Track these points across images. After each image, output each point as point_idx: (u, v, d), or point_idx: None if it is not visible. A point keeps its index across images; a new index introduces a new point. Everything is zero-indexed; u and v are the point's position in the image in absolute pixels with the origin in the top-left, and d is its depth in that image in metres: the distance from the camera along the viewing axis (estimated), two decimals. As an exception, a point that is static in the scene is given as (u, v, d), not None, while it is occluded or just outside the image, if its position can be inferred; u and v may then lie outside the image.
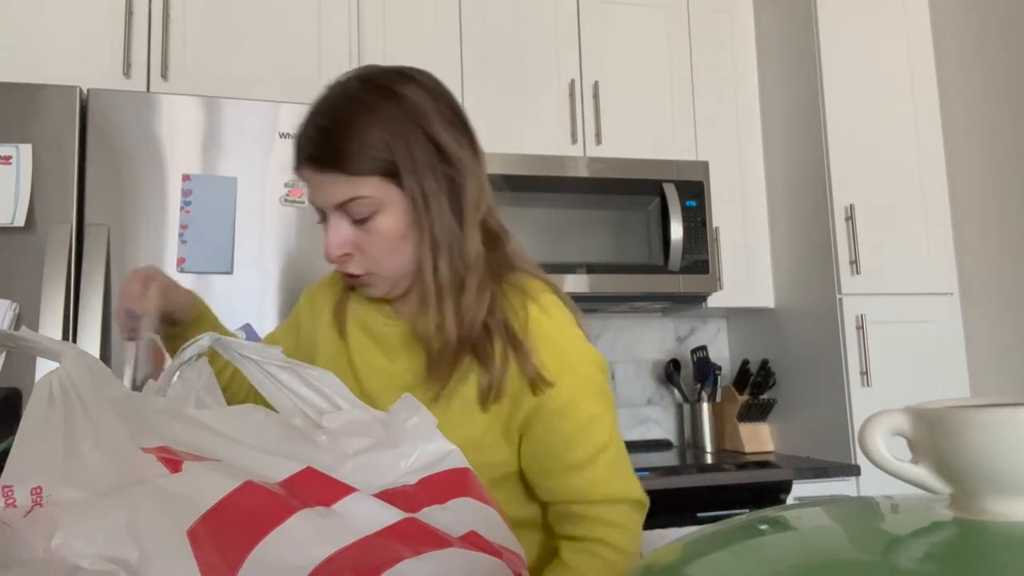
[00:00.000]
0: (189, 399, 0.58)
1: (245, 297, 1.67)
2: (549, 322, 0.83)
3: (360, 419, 0.53)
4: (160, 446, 0.44)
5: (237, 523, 0.39)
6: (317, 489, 0.43)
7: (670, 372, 2.52)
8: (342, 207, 0.80)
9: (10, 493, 0.41)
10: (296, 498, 0.42)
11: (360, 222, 0.81)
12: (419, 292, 0.83)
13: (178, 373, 0.60)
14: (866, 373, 2.05)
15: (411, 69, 0.86)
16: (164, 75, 1.89)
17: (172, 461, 0.43)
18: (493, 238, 0.87)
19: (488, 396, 0.80)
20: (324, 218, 0.83)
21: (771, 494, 1.91)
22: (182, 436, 0.46)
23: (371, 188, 0.79)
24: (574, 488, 0.82)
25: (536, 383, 0.80)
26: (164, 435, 0.46)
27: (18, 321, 1.53)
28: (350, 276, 0.85)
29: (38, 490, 0.41)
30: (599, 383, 0.85)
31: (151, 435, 0.45)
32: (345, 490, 0.43)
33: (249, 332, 1.63)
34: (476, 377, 0.81)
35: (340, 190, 0.79)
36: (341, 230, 0.81)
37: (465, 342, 0.81)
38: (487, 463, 0.77)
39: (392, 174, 0.79)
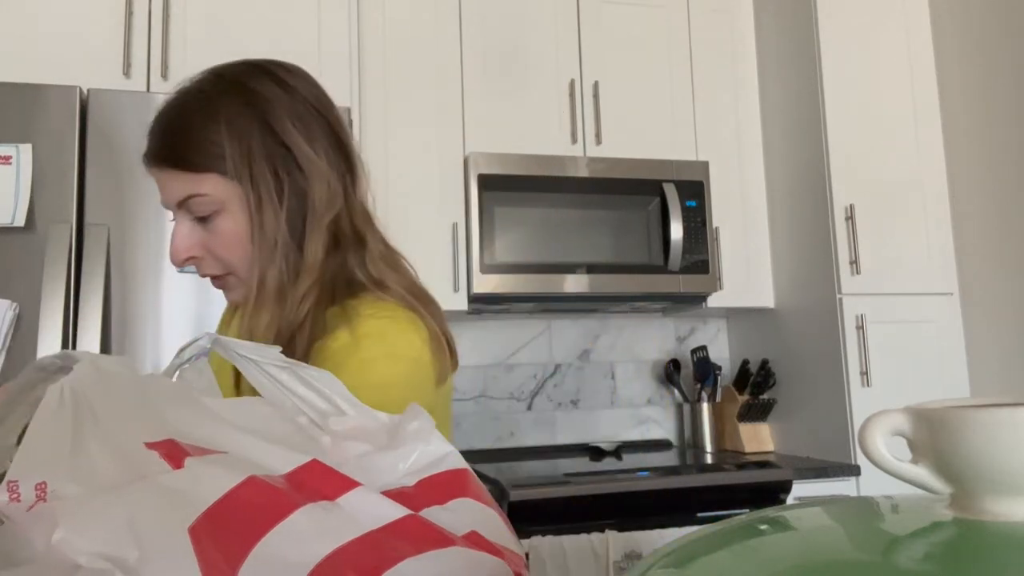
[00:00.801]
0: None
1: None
2: (350, 357, 0.72)
3: (366, 426, 0.53)
4: (166, 439, 0.44)
5: (239, 520, 0.39)
6: (322, 482, 0.43)
7: (670, 372, 2.52)
8: (183, 205, 0.76)
9: (15, 488, 0.41)
10: (300, 492, 0.42)
11: (203, 221, 0.77)
12: (245, 296, 0.77)
13: (177, 373, 0.60)
14: (866, 373, 2.05)
15: (274, 63, 0.81)
16: (164, 75, 1.89)
17: (175, 457, 0.43)
18: (345, 245, 0.80)
19: None
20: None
21: (771, 494, 1.91)
22: (190, 425, 0.46)
23: (210, 186, 0.75)
24: None
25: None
26: (172, 425, 0.46)
27: (18, 321, 1.53)
28: (213, 279, 0.81)
29: (42, 485, 0.41)
30: None
31: (158, 427, 0.45)
32: (350, 484, 0.43)
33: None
34: None
35: (178, 187, 0.76)
36: (184, 231, 0.77)
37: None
38: None
39: (225, 171, 0.75)
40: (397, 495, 0.45)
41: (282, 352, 0.70)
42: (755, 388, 2.34)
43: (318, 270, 0.77)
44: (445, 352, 0.79)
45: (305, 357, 0.73)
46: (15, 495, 0.41)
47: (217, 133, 0.75)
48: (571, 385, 2.52)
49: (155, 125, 0.78)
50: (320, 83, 0.84)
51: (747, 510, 0.92)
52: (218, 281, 0.81)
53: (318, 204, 0.77)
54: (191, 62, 1.95)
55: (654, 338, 2.61)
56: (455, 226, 2.14)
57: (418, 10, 2.22)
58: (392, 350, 0.75)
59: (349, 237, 0.80)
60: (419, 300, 0.80)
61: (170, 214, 0.80)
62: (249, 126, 0.76)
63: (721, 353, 2.65)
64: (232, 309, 0.94)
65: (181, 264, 0.78)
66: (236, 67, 0.80)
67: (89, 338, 1.56)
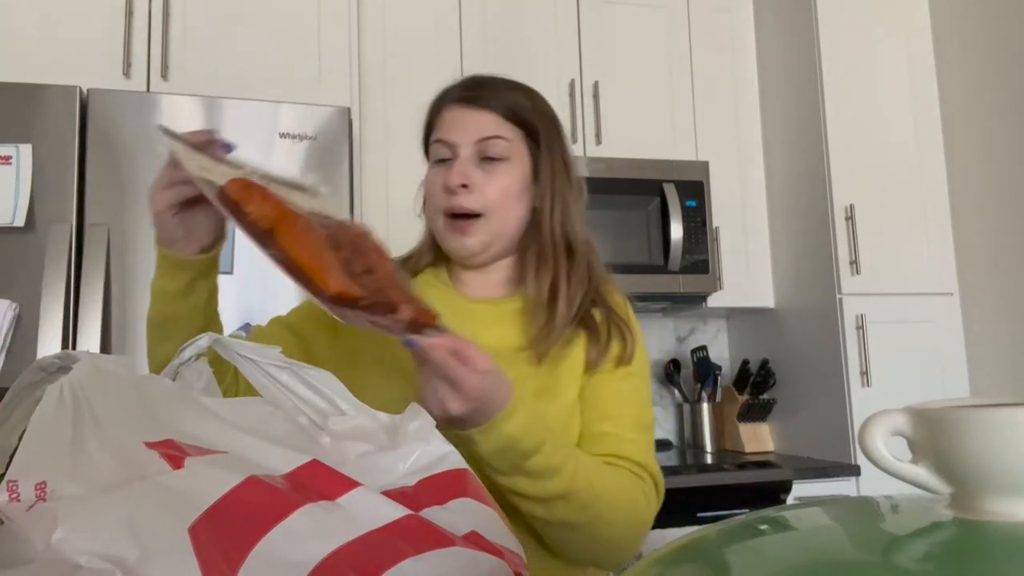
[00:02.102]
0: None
1: (245, 297, 1.67)
2: (630, 315, 0.94)
3: (365, 425, 0.53)
4: (165, 440, 0.44)
5: (239, 520, 0.39)
6: (322, 482, 0.43)
7: (670, 372, 2.52)
8: (482, 143, 0.88)
9: (15, 488, 0.41)
10: (300, 492, 0.42)
11: (489, 163, 0.88)
12: (535, 249, 0.91)
13: (177, 374, 0.60)
14: (866, 373, 2.05)
15: None
16: (164, 75, 1.89)
17: (175, 457, 0.43)
18: (585, 244, 0.97)
19: (595, 365, 0.87)
20: (444, 160, 0.90)
21: (771, 494, 1.91)
22: (189, 425, 0.46)
23: (513, 134, 0.89)
24: (616, 444, 0.85)
25: (622, 360, 0.88)
26: (171, 425, 0.45)
27: (18, 321, 1.53)
28: (459, 217, 0.88)
29: (42, 485, 0.41)
30: (649, 383, 0.95)
31: (158, 427, 0.45)
32: (350, 484, 0.43)
33: (249, 332, 1.62)
34: (581, 345, 0.87)
35: (488, 126, 0.88)
36: (468, 164, 0.88)
37: (577, 310, 0.88)
38: (575, 423, 0.85)
39: (533, 136, 0.91)
40: (397, 495, 0.45)
41: (588, 306, 0.90)
42: (755, 388, 2.34)
43: (587, 246, 0.94)
44: None
45: (612, 311, 0.91)
46: (15, 495, 0.41)
47: (534, 110, 0.92)
48: (571, 385, 2.51)
49: (472, 81, 0.94)
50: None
51: (747, 510, 0.92)
52: (465, 221, 0.89)
53: (576, 199, 0.96)
54: (191, 62, 1.95)
55: (654, 338, 2.61)
56: (455, 226, 2.14)
57: (418, 10, 2.22)
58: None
59: (586, 240, 0.98)
60: None
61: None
62: (550, 118, 0.95)
63: (721, 353, 2.65)
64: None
65: (455, 188, 0.87)
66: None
67: (89, 338, 1.56)
